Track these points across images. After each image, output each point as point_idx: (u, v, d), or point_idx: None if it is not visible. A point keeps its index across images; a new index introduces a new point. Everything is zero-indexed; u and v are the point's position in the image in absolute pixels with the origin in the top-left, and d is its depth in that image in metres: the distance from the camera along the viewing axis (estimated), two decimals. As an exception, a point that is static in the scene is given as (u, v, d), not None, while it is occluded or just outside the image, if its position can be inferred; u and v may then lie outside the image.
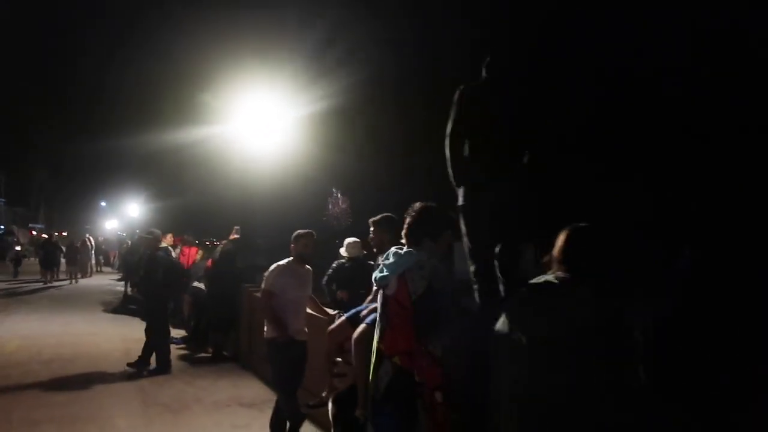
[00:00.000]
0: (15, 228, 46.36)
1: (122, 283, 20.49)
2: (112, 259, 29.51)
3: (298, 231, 5.01)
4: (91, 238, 26.47)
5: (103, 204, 53.84)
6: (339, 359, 4.43)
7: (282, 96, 8.41)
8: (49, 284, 20.73)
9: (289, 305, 4.85)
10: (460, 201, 3.36)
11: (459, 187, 3.35)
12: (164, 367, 7.55)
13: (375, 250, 4.80)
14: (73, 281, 21.90)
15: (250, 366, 7.68)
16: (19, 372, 7.44)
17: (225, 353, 8.39)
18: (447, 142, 3.35)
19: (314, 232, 5.04)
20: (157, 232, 8.45)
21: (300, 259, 4.97)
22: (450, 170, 3.35)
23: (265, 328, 4.89)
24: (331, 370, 4.44)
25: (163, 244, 12.49)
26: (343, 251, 6.72)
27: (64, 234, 45.82)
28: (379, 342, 3.28)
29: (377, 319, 3.35)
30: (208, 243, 12.59)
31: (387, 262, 3.26)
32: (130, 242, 24.87)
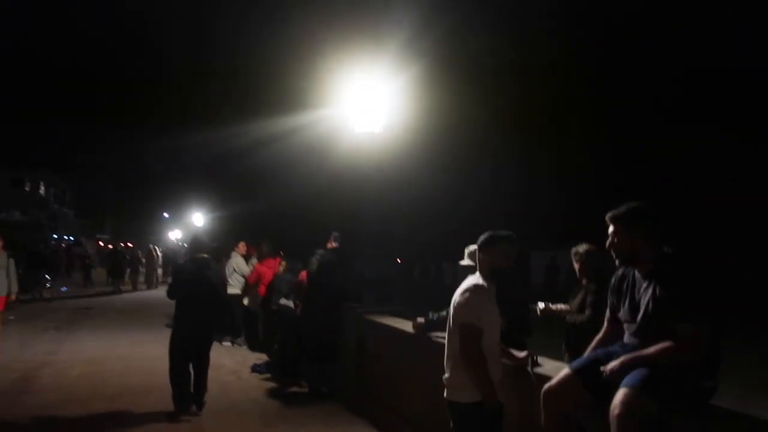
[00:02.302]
0: (83, 239, 47.07)
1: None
2: (177, 269, 28.88)
3: (493, 233, 3.33)
4: (156, 249, 25.97)
5: (165, 215, 54.25)
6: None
7: (389, 75, 6.79)
8: (115, 293, 20.98)
9: (490, 347, 3.19)
10: None
11: None
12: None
13: (618, 260, 3.03)
14: (134, 289, 22.43)
15: (361, 409, 6.02)
16: (80, 411, 6.06)
17: (324, 389, 6.77)
18: None
19: (514, 235, 3.35)
20: (199, 239, 6.93)
21: (495, 277, 3.29)
22: None
23: (455, 382, 3.22)
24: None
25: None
26: (465, 262, 5.02)
27: (130, 244, 46.17)
28: None
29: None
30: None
31: None
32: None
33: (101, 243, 49.26)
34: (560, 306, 4.82)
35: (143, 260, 26.10)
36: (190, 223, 30.85)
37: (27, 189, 48.95)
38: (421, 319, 4.88)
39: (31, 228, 44.01)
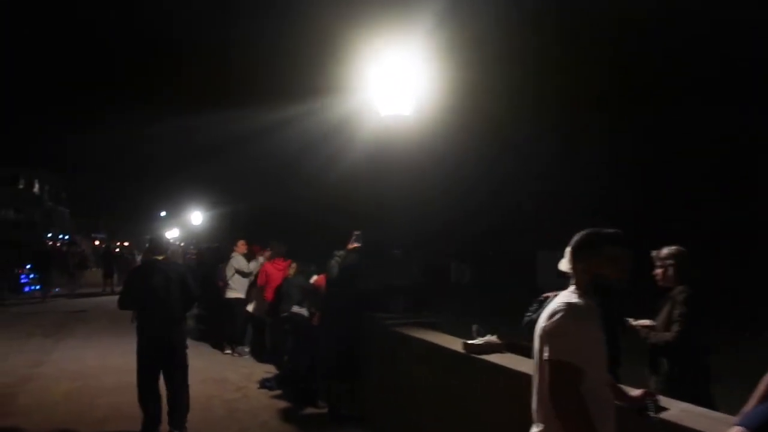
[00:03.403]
0: (79, 237, 46.16)
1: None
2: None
3: (594, 231, 2.47)
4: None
5: (162, 214, 53.35)
6: None
7: (420, 53, 5.93)
8: (105, 293, 20.19)
9: (595, 390, 2.31)
10: None
11: None
12: None
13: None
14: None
15: (389, 435, 5.18)
16: (64, 438, 5.22)
17: (345, 411, 5.91)
18: None
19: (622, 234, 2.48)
20: (156, 241, 6.21)
21: (595, 291, 2.43)
22: None
23: None
24: None
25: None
26: (565, 267, 4.16)
27: (125, 244, 45.35)
28: None
29: None
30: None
31: None
32: (194, 252, 23.29)
33: (97, 242, 48.43)
34: (644, 322, 3.98)
35: (138, 259, 25.26)
36: (188, 221, 29.91)
37: (21, 186, 47.98)
38: (479, 340, 4.04)
39: (25, 226, 43.30)
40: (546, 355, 2.32)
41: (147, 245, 6.55)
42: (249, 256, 10.21)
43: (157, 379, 5.39)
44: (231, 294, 9.62)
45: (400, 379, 5.16)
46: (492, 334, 4.11)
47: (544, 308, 4.38)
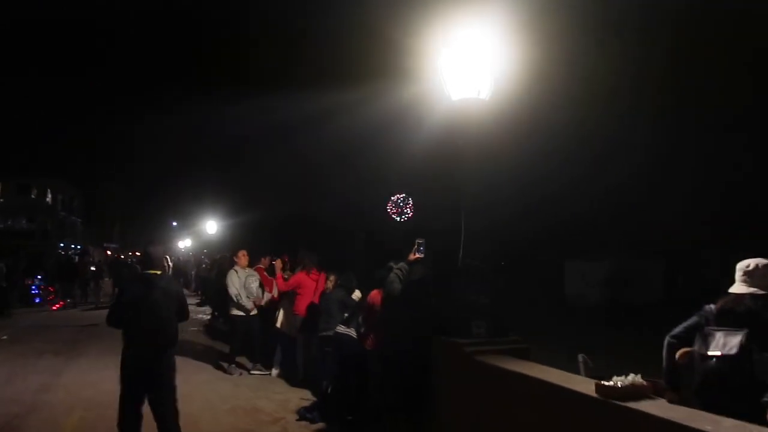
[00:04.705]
0: (91, 248, 45.62)
1: (204, 309, 17.88)
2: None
3: None
4: (168, 258, 24.30)
5: (174, 223, 52.87)
6: None
7: (497, 24, 5.01)
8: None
9: None
10: None
11: None
12: None
13: None
14: None
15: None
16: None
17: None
18: None
19: None
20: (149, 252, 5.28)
21: None
22: None
23: None
24: None
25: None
26: (742, 289, 3.20)
27: (137, 253, 44.73)
28: None
29: None
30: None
31: None
32: (208, 261, 22.47)
33: (109, 252, 47.90)
34: None
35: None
36: (203, 231, 29.17)
37: (33, 196, 47.63)
38: (618, 380, 3.06)
39: (38, 236, 42.82)
40: None
41: (140, 257, 5.70)
42: (269, 271, 9.40)
43: (142, 403, 4.77)
44: (235, 311, 8.75)
45: (489, 424, 4.18)
46: (635, 374, 3.13)
47: (707, 323, 3.27)
